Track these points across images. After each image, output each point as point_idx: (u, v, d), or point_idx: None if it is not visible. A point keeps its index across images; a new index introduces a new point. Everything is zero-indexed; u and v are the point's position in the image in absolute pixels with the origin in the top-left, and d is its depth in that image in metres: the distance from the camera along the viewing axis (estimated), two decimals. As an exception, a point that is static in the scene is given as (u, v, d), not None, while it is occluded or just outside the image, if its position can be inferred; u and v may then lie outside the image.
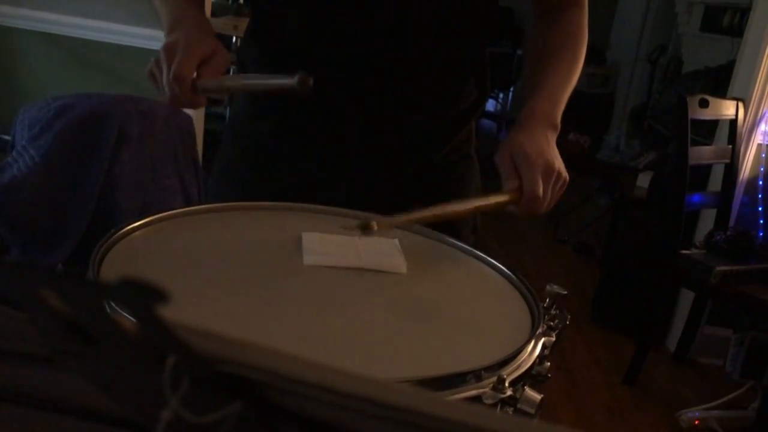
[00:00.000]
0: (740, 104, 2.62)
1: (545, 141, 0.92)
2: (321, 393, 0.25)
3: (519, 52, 6.97)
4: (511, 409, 0.58)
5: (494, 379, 0.58)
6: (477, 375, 0.58)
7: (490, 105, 7.38)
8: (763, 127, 2.69)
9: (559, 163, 0.91)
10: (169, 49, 0.84)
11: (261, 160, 1.06)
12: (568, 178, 0.92)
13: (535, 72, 1.02)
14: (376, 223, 0.75)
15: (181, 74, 0.82)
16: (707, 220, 2.76)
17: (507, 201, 0.89)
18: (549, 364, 0.66)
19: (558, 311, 0.73)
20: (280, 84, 0.83)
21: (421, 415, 0.24)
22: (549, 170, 0.89)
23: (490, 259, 0.87)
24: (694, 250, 2.43)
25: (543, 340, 0.67)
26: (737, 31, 3.62)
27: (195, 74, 0.84)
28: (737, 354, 2.71)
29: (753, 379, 2.54)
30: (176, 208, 0.88)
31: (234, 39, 2.74)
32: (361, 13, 0.94)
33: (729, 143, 2.63)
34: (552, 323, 0.72)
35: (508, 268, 0.84)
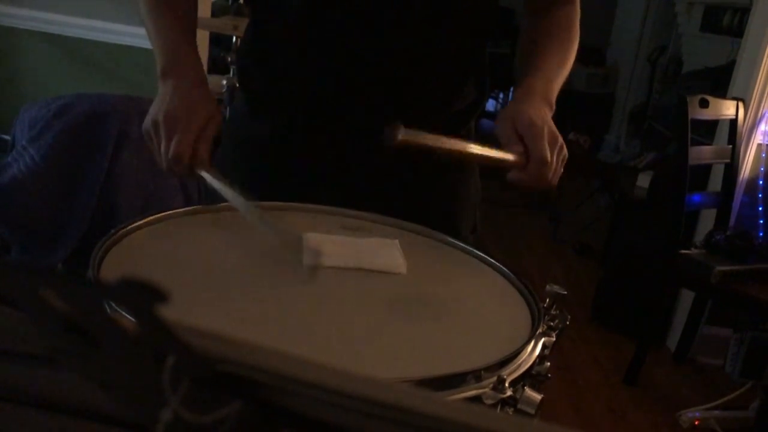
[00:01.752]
0: (740, 104, 2.62)
1: (545, 112, 0.91)
2: (321, 393, 0.25)
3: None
4: (511, 409, 0.58)
5: (494, 379, 0.58)
6: (477, 375, 0.58)
7: (490, 105, 7.38)
8: (763, 127, 2.69)
9: (560, 136, 0.90)
10: (168, 121, 0.87)
11: (260, 160, 1.06)
12: (567, 154, 0.90)
13: (529, 58, 1.01)
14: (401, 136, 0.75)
15: (179, 154, 0.86)
16: (707, 220, 2.76)
17: (513, 161, 0.86)
18: (549, 364, 0.66)
19: (558, 311, 0.73)
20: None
21: (421, 415, 0.24)
22: (554, 137, 0.88)
23: (490, 259, 0.86)
24: (694, 250, 2.43)
25: (543, 340, 0.67)
26: (737, 31, 3.62)
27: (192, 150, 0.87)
28: (737, 354, 2.71)
29: (753, 379, 2.54)
30: (176, 208, 0.88)
31: (234, 39, 2.74)
32: (360, 14, 0.94)
33: (729, 143, 2.63)
34: (552, 323, 0.72)
35: (508, 268, 0.84)
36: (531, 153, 0.86)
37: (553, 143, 0.87)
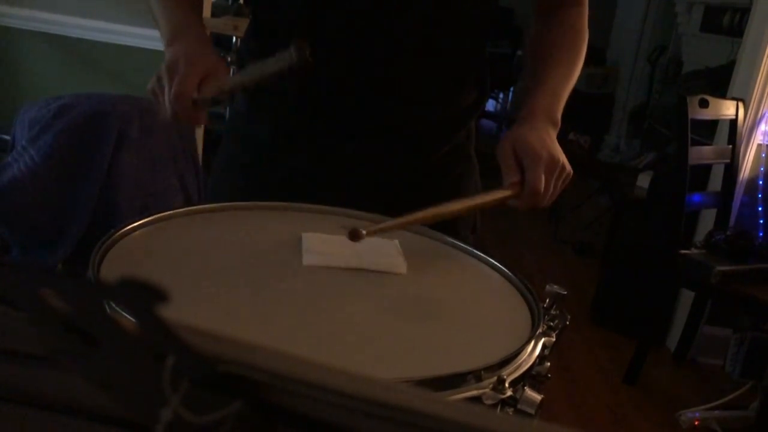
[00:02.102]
0: (740, 104, 2.62)
1: (547, 135, 0.92)
2: (321, 393, 0.25)
3: (519, 52, 6.97)
4: (511, 409, 0.58)
5: (494, 379, 0.58)
6: (477, 375, 0.58)
7: (490, 105, 7.38)
8: (763, 127, 2.69)
9: (562, 157, 0.91)
10: (170, 66, 0.85)
11: (260, 160, 1.06)
12: (572, 172, 0.92)
13: (535, 69, 1.02)
14: (366, 231, 0.73)
15: (182, 92, 0.82)
16: (707, 220, 2.76)
17: (508, 196, 0.88)
18: (549, 364, 0.66)
19: (558, 311, 0.73)
20: (278, 65, 0.80)
21: (421, 415, 0.24)
22: (553, 163, 0.89)
23: (490, 259, 0.86)
24: (694, 250, 2.43)
25: (543, 340, 0.67)
26: (737, 31, 3.61)
27: (196, 92, 0.84)
28: (737, 354, 2.70)
29: (753, 379, 2.54)
30: (176, 208, 0.88)
31: (234, 39, 2.74)
32: (360, 14, 0.94)
33: (729, 143, 2.63)
34: (552, 323, 0.72)
35: (508, 268, 0.84)
36: (526, 183, 0.87)
37: (552, 168, 0.89)
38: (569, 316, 0.73)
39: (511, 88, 7.30)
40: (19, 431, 0.32)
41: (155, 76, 0.87)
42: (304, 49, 0.77)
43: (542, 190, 0.87)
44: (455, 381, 0.57)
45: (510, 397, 0.58)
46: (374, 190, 1.02)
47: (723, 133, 2.72)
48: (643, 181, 3.32)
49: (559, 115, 0.97)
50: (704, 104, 2.51)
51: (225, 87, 0.86)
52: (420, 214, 0.82)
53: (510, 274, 0.83)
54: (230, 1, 4.08)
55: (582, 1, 1.06)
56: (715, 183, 2.74)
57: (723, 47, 3.82)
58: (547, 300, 0.74)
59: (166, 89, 0.84)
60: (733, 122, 2.61)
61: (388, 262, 0.81)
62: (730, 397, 2.46)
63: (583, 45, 1.04)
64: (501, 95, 7.49)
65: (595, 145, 4.87)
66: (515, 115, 0.99)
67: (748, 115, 2.66)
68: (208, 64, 0.86)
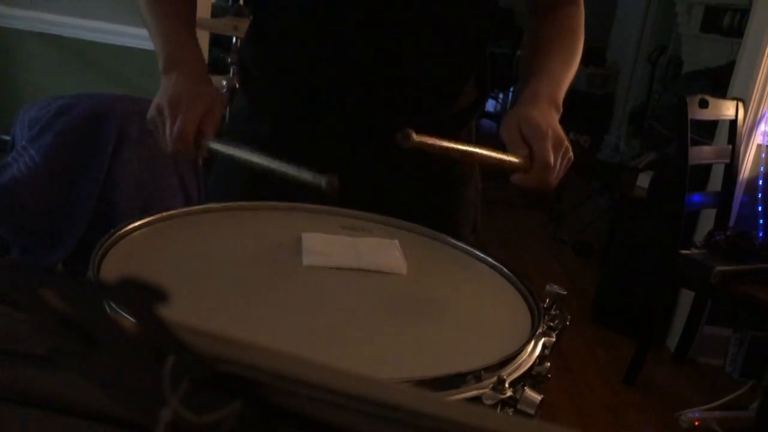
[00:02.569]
0: (740, 104, 2.62)
1: (551, 115, 0.91)
2: (321, 393, 0.25)
3: (519, 52, 6.97)
4: (511, 409, 0.58)
5: (494, 379, 0.58)
6: (477, 375, 0.58)
7: (490, 105, 7.38)
8: (763, 127, 2.69)
9: (566, 138, 0.90)
10: (173, 103, 0.88)
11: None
12: (572, 156, 0.90)
13: (534, 60, 1.00)
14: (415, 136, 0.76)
15: (184, 133, 0.86)
16: (707, 220, 2.76)
17: (518, 163, 0.86)
18: (549, 364, 0.66)
19: (558, 311, 0.73)
20: (300, 176, 0.81)
21: (421, 415, 0.24)
22: (559, 140, 0.88)
23: (490, 259, 0.86)
24: (694, 250, 2.43)
25: (543, 340, 0.67)
26: (737, 31, 3.62)
27: (197, 131, 0.88)
28: (737, 354, 2.71)
29: (753, 379, 2.54)
30: (176, 208, 0.88)
31: (234, 39, 2.74)
32: (360, 13, 0.94)
33: (729, 143, 2.63)
34: (552, 323, 0.71)
35: (508, 268, 0.84)
36: (535, 156, 0.86)
37: (557, 146, 0.87)
38: (569, 316, 0.73)
39: (511, 88, 7.30)
40: (19, 431, 0.32)
41: (155, 105, 0.91)
42: (334, 186, 0.78)
43: (552, 163, 0.85)
44: (455, 381, 0.57)
45: (510, 397, 0.58)
46: (374, 190, 1.02)
47: (723, 133, 2.73)
48: (643, 181, 3.32)
49: (560, 101, 0.95)
50: (704, 104, 2.51)
51: (236, 155, 0.88)
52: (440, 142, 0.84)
53: (510, 274, 0.83)
54: (230, 2, 4.08)
55: (577, 1, 1.05)
56: (715, 183, 2.74)
57: (723, 47, 3.82)
58: (547, 300, 0.74)
59: (168, 126, 0.88)
60: (733, 122, 2.61)
61: (389, 262, 0.81)
62: (730, 397, 2.45)
63: (580, 41, 1.03)
64: (501, 95, 7.49)
65: (595, 145, 4.87)
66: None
67: (748, 115, 2.66)
68: (208, 102, 0.90)
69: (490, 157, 0.87)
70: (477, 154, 0.88)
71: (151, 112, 0.91)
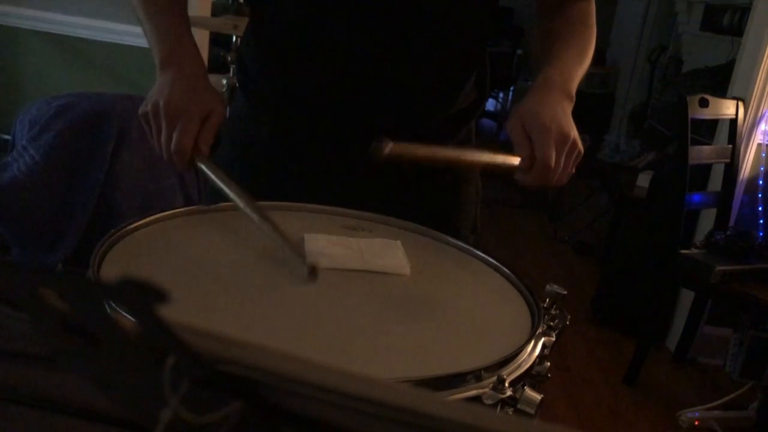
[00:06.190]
0: (740, 104, 2.62)
1: (560, 109, 0.89)
2: (321, 393, 0.25)
3: (519, 52, 6.97)
4: (511, 409, 0.58)
5: (494, 379, 0.58)
6: (477, 375, 0.58)
7: (490, 105, 7.38)
8: (763, 126, 2.69)
9: (574, 133, 0.87)
10: (170, 110, 0.86)
11: (260, 160, 1.06)
12: (582, 149, 0.89)
13: (547, 52, 0.99)
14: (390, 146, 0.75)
15: (182, 147, 0.86)
16: (707, 220, 2.76)
17: (517, 165, 0.85)
18: (549, 364, 0.66)
19: (558, 311, 0.73)
20: (291, 251, 0.78)
21: (421, 415, 0.24)
22: (563, 138, 0.86)
23: (490, 259, 0.86)
24: (694, 250, 2.43)
25: (543, 340, 0.67)
26: (737, 30, 3.61)
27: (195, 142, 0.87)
28: (737, 354, 2.70)
29: (753, 379, 2.54)
30: (176, 208, 0.88)
31: (234, 38, 2.74)
32: (359, 13, 0.94)
33: (729, 143, 2.63)
34: (552, 323, 0.71)
35: (508, 268, 0.84)
36: (536, 156, 0.85)
37: (562, 143, 0.86)
38: (569, 316, 0.73)
39: (511, 88, 7.30)
40: (19, 431, 0.32)
41: (150, 102, 0.88)
42: (314, 272, 0.74)
43: (552, 164, 0.84)
44: (455, 381, 0.57)
45: (510, 397, 0.58)
46: (374, 190, 1.02)
47: (723, 132, 2.72)
48: (643, 181, 3.31)
49: (573, 90, 0.93)
50: (704, 104, 2.51)
51: (228, 188, 0.86)
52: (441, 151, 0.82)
53: (510, 274, 0.83)
54: (230, 1, 4.08)
55: None
56: (715, 183, 2.74)
57: (723, 47, 3.82)
58: (547, 300, 0.74)
59: (164, 134, 0.87)
60: (733, 122, 2.61)
61: (392, 263, 0.80)
62: (730, 397, 2.45)
63: (593, 35, 1.02)
64: (501, 95, 7.49)
65: (595, 144, 4.86)
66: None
67: (748, 115, 2.66)
68: (206, 110, 0.88)
69: (483, 162, 0.87)
70: (467, 159, 0.87)
71: (145, 107, 0.89)
